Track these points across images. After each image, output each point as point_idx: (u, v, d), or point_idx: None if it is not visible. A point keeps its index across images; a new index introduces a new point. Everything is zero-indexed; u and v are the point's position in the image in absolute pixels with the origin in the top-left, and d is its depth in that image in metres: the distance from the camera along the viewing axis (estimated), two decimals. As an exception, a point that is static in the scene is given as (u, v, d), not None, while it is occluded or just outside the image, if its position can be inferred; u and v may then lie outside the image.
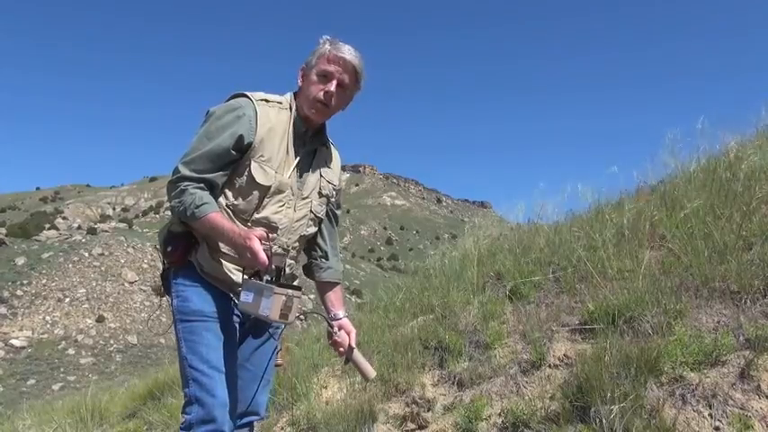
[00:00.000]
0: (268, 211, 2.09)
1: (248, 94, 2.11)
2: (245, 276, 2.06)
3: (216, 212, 1.99)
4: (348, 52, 2.09)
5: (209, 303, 2.08)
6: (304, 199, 2.18)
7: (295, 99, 2.17)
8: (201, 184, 2.01)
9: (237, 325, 2.19)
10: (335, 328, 2.27)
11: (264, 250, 1.95)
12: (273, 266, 2.00)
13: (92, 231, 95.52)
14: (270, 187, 2.06)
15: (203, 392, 2.00)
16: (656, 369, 2.41)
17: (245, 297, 1.99)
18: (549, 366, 2.82)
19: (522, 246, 4.12)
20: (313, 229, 2.27)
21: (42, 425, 5.34)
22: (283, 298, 1.95)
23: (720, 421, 2.17)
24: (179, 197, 1.99)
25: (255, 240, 1.95)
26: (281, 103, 2.14)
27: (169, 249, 2.11)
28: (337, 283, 2.41)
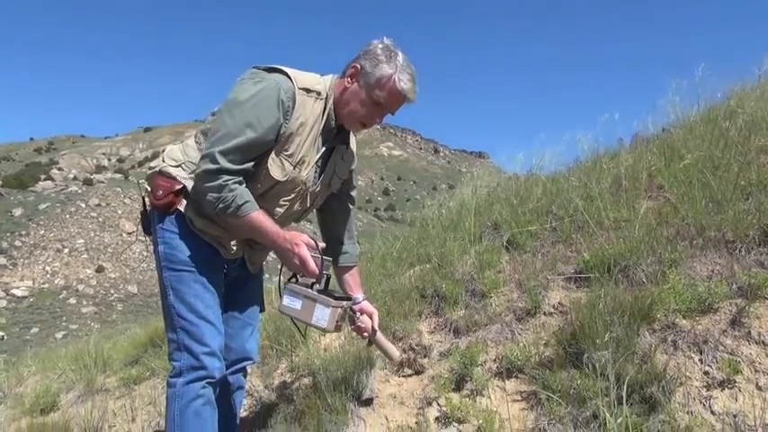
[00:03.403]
0: (269, 203, 2.05)
1: (291, 75, 1.96)
2: (292, 281, 2.03)
3: (258, 212, 1.93)
4: (412, 92, 1.97)
5: (196, 253, 2.05)
6: (312, 194, 2.14)
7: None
8: (240, 177, 1.92)
9: (223, 275, 2.18)
10: (357, 313, 2.26)
11: (313, 258, 1.92)
12: (324, 275, 1.95)
13: (88, 182, 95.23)
14: (282, 181, 2.01)
15: (191, 341, 2.02)
16: (649, 316, 2.45)
17: (291, 302, 1.94)
18: (544, 314, 2.86)
19: (519, 196, 4.12)
20: (303, 219, 2.26)
21: (47, 371, 5.46)
22: (340, 311, 1.93)
23: (710, 366, 2.22)
24: (218, 192, 1.89)
25: (304, 247, 1.91)
26: (319, 93, 2.01)
27: (159, 193, 2.04)
28: (354, 266, 2.38)
